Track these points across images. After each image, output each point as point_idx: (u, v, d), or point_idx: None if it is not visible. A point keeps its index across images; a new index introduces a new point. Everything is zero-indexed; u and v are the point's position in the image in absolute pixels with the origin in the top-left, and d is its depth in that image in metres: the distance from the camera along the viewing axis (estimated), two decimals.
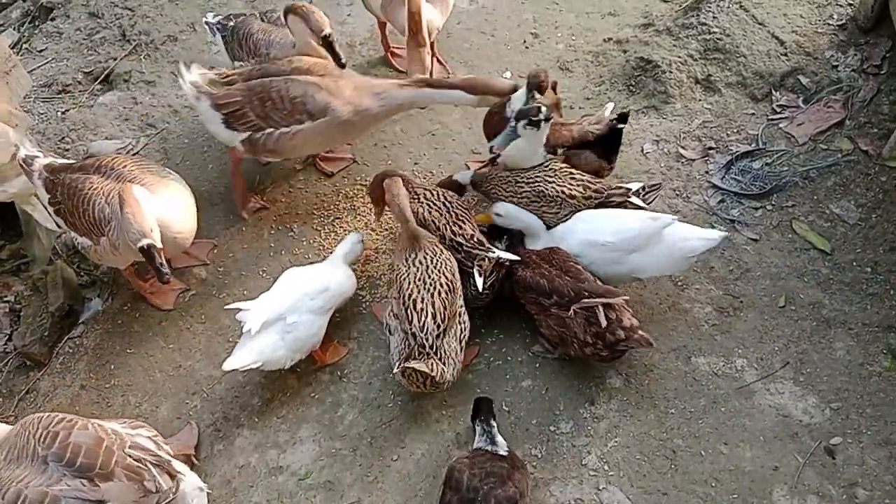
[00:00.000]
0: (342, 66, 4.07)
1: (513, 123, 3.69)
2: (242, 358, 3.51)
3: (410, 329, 3.42)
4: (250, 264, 4.32)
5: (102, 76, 5.37)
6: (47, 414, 3.14)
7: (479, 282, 3.61)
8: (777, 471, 3.33)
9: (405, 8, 4.17)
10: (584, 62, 4.89)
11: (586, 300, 3.41)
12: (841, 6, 4.66)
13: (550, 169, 3.87)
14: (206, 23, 4.64)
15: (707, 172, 4.33)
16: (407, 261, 3.58)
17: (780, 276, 3.90)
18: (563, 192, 3.78)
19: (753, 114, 4.50)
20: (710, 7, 4.77)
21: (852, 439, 3.38)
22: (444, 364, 3.40)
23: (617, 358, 3.53)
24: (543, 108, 3.65)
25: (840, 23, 4.60)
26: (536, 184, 3.85)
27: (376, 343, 3.90)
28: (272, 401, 3.82)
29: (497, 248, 3.78)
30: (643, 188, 3.81)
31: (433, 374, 3.34)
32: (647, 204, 3.81)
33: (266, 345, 3.55)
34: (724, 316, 3.82)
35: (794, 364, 3.62)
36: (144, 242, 3.43)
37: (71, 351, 4.12)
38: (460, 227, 3.75)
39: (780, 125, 4.41)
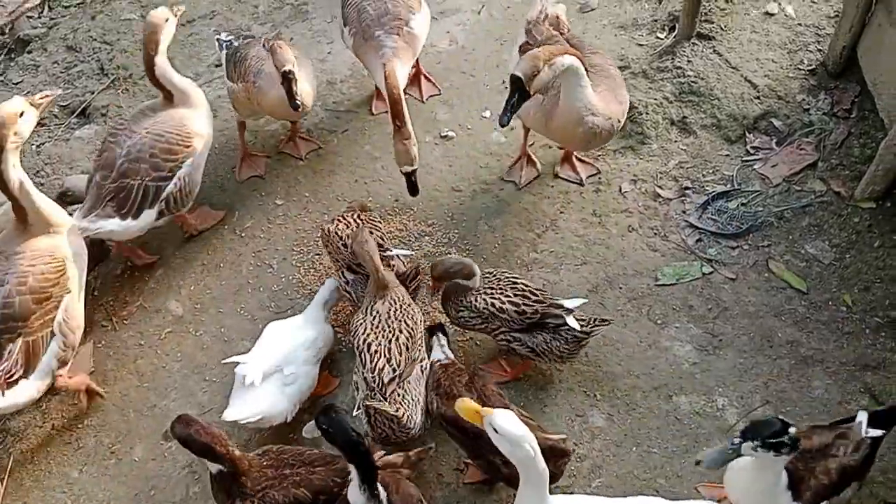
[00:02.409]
0: (295, 108, 4.06)
1: (735, 441, 2.65)
2: (243, 410, 3.41)
3: (363, 374, 3.36)
4: (228, 301, 4.26)
5: (79, 110, 5.33)
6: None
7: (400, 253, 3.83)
8: None
9: (379, 64, 4.18)
10: None
11: None
12: (811, 52, 4.81)
13: (495, 278, 3.70)
14: (218, 38, 4.68)
15: (684, 212, 4.39)
16: (366, 310, 3.54)
17: (757, 314, 3.95)
18: (493, 304, 3.58)
19: (728, 155, 4.59)
20: (684, 51, 4.89)
21: None
22: (406, 407, 3.31)
23: None
24: (792, 430, 2.66)
25: (810, 68, 4.73)
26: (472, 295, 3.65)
27: None
28: (251, 440, 3.75)
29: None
30: (589, 321, 3.57)
31: (398, 413, 3.24)
32: (589, 335, 3.56)
33: (267, 398, 3.46)
34: (703, 354, 3.85)
35: (773, 403, 3.65)
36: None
37: None
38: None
39: (755, 166, 4.50)
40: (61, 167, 4.96)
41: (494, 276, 3.74)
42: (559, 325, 3.55)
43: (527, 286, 3.64)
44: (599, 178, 4.56)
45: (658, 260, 4.19)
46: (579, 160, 4.56)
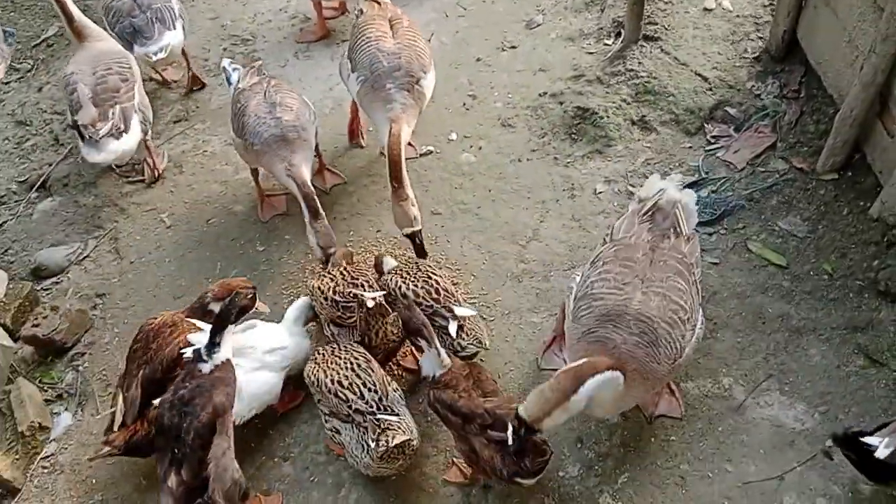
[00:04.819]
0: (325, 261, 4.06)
1: None
2: None
3: (353, 406, 3.35)
4: None
5: (38, 183, 5.23)
6: None
7: (370, 295, 3.67)
8: (783, 480, 3.43)
9: (385, 118, 4.18)
10: (524, 117, 5.07)
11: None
12: (752, 41, 5.03)
13: (417, 268, 3.85)
14: (224, 68, 4.72)
15: None
16: (312, 361, 3.61)
17: (745, 294, 4.07)
18: (399, 287, 3.73)
19: (691, 147, 4.76)
20: (634, 54, 5.06)
21: None
22: (408, 424, 3.36)
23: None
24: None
25: (755, 55, 4.95)
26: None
27: None
28: (270, 492, 3.69)
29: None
30: (472, 339, 3.66)
31: (412, 437, 3.30)
32: (463, 350, 3.65)
33: None
34: (702, 340, 3.95)
35: (776, 375, 3.76)
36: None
37: (46, 471, 3.89)
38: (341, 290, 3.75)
39: (718, 154, 4.67)
40: (30, 243, 4.87)
41: (418, 266, 3.85)
42: (442, 327, 3.64)
43: (438, 283, 3.72)
44: (573, 184, 4.67)
45: None
46: (671, 391, 3.74)
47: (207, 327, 3.48)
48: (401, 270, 3.87)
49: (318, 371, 3.51)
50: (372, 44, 4.34)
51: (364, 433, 3.36)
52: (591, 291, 3.28)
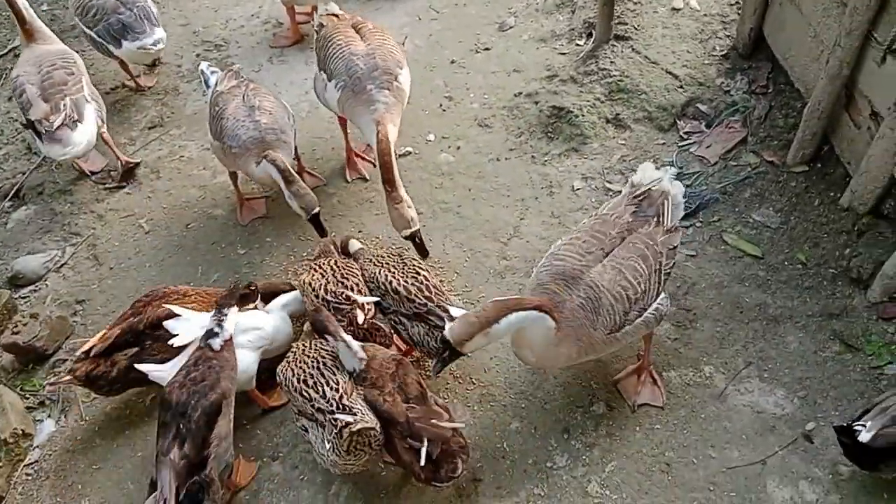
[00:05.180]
0: (323, 235, 4.18)
1: None
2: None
3: (315, 405, 3.30)
4: None
5: (12, 192, 5.16)
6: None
7: (363, 306, 3.65)
8: (765, 464, 3.51)
9: (370, 120, 4.16)
10: (500, 117, 5.14)
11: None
12: (720, 38, 5.15)
13: (402, 261, 3.82)
14: (202, 70, 4.69)
15: None
16: (285, 360, 3.58)
17: (723, 284, 4.17)
18: (390, 282, 3.70)
19: (664, 143, 4.86)
20: (606, 53, 5.16)
21: (824, 422, 3.61)
22: (371, 417, 3.29)
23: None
24: None
25: (723, 53, 5.07)
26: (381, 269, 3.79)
27: None
28: (260, 491, 3.69)
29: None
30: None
31: (374, 425, 3.24)
32: None
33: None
34: (682, 330, 4.03)
35: (755, 363, 3.85)
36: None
37: (30, 478, 3.84)
38: (333, 289, 3.73)
39: (691, 149, 4.78)
40: (6, 251, 4.81)
41: (403, 260, 3.83)
42: (437, 326, 3.62)
43: (428, 280, 3.71)
44: (550, 182, 4.74)
45: None
46: (653, 380, 3.82)
47: (188, 313, 3.65)
48: (387, 264, 3.83)
49: (287, 369, 3.49)
50: (344, 49, 4.35)
51: (325, 431, 3.30)
52: (556, 252, 3.47)
